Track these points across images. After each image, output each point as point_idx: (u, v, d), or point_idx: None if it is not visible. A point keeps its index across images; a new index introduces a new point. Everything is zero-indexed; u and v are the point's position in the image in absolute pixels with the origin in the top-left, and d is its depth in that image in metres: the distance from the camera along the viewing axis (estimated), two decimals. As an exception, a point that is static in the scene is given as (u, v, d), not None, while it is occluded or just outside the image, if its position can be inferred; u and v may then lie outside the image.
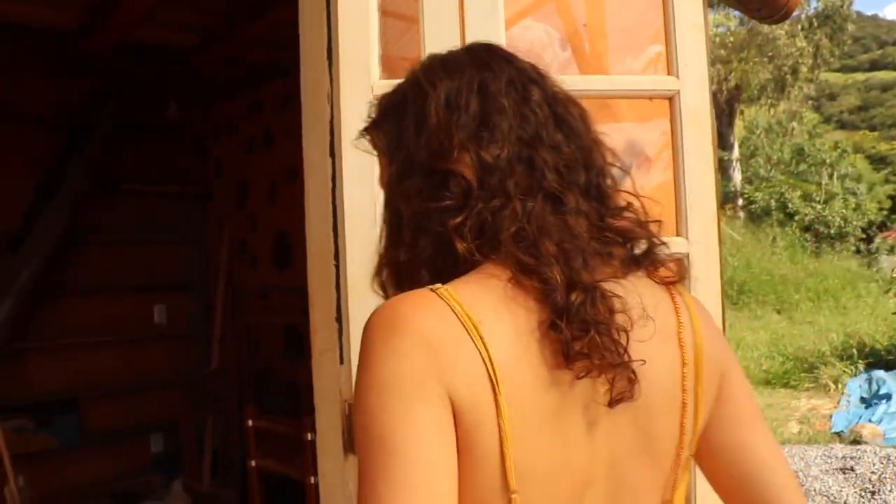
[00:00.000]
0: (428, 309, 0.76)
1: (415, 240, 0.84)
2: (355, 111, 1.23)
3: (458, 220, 0.81)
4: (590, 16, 1.63)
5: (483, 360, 0.73)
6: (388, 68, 1.29)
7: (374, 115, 0.94)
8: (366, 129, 0.95)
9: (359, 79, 1.24)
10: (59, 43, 3.66)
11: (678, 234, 1.28)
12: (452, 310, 0.75)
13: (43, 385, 4.01)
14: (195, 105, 4.53)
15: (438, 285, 0.78)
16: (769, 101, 16.53)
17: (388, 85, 1.25)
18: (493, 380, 0.73)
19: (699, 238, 1.24)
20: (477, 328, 0.74)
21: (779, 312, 10.19)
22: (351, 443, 1.25)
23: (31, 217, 3.89)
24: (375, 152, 0.95)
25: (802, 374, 7.41)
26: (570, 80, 1.40)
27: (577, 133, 0.87)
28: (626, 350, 0.77)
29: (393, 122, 0.90)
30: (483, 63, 0.89)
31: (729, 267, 10.97)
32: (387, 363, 0.73)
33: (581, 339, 0.75)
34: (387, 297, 0.87)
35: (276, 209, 4.16)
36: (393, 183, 0.88)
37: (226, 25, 3.53)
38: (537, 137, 0.84)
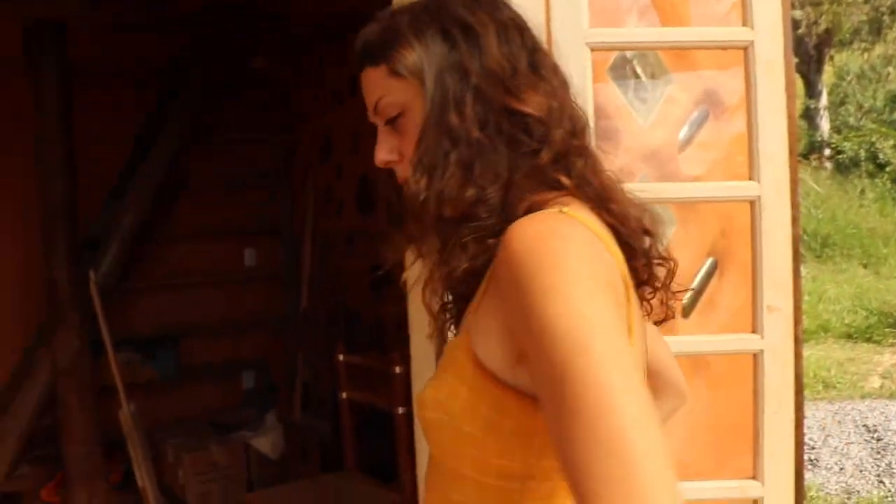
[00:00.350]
0: (572, 223, 0.78)
1: (493, 177, 0.83)
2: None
3: (546, 160, 0.85)
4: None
5: (619, 268, 0.80)
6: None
7: (389, 32, 0.89)
8: (386, 46, 0.88)
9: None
10: (156, 3, 3.85)
11: (751, 179, 1.34)
12: (584, 225, 0.79)
13: (146, 322, 4.33)
14: (282, 57, 4.68)
15: (559, 208, 0.81)
16: (863, 44, 15.63)
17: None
18: (627, 285, 0.80)
19: (771, 183, 1.31)
20: (607, 242, 0.80)
21: (865, 266, 9.85)
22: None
23: (133, 167, 4.15)
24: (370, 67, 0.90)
25: (887, 330, 7.20)
26: (642, 33, 1.46)
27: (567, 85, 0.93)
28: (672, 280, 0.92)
29: (428, 47, 0.86)
30: (505, 4, 0.92)
31: (813, 219, 10.62)
32: (579, 264, 0.72)
33: (656, 271, 0.89)
34: (418, 241, 0.88)
35: (360, 156, 4.29)
36: (454, 115, 0.84)
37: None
38: (562, 89, 0.91)
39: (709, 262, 1.69)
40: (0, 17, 3.68)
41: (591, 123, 1.34)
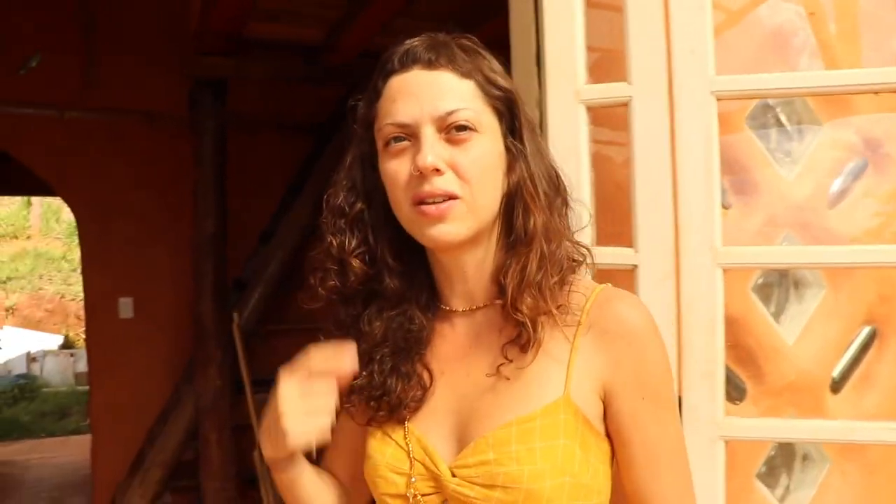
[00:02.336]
0: None
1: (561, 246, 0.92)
2: (561, 117, 1.26)
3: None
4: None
5: None
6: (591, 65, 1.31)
7: (481, 58, 0.93)
8: (480, 66, 0.92)
9: (564, 85, 1.27)
10: (308, 56, 4.04)
11: (910, 243, 1.17)
12: None
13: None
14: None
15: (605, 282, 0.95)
16: None
17: (591, 90, 1.27)
18: None
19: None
20: None
21: None
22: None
23: (282, 213, 4.33)
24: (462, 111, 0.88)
25: None
26: (777, 79, 1.33)
27: None
28: None
29: (507, 116, 0.92)
30: None
31: None
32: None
33: None
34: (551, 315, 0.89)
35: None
36: (551, 167, 0.95)
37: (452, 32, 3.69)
38: None
39: (865, 331, 1.52)
40: (169, 79, 4.01)
41: (717, 179, 1.24)
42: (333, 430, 0.95)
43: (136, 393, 4.19)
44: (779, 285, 1.53)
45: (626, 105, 1.22)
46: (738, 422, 1.22)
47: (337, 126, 4.38)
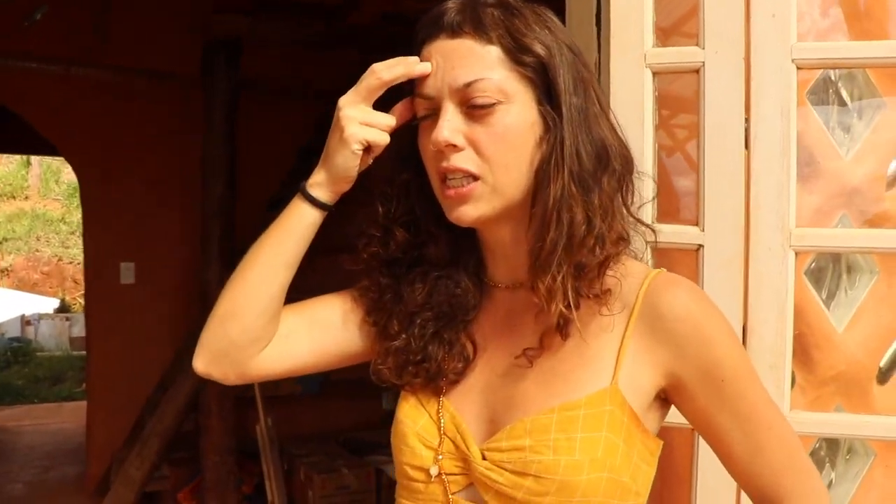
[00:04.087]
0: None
1: (610, 235, 0.83)
2: (626, 81, 1.17)
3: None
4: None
5: None
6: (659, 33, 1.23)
7: (513, 16, 0.83)
8: (510, 29, 0.83)
9: (630, 47, 1.18)
10: (327, 18, 3.91)
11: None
12: None
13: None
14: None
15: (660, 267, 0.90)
16: None
17: (660, 54, 1.18)
18: None
19: None
20: None
21: None
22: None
23: (290, 181, 4.23)
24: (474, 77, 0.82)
25: None
26: (865, 48, 1.25)
27: None
28: None
29: (559, 54, 0.83)
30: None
31: None
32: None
33: None
34: (569, 302, 0.81)
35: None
36: (598, 135, 0.85)
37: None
38: None
39: (913, 319, 1.46)
40: (182, 38, 3.89)
41: (794, 154, 1.15)
42: (322, 298, 1.00)
43: (135, 360, 4.13)
44: (831, 270, 1.47)
45: (697, 72, 1.14)
46: (806, 416, 1.15)
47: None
